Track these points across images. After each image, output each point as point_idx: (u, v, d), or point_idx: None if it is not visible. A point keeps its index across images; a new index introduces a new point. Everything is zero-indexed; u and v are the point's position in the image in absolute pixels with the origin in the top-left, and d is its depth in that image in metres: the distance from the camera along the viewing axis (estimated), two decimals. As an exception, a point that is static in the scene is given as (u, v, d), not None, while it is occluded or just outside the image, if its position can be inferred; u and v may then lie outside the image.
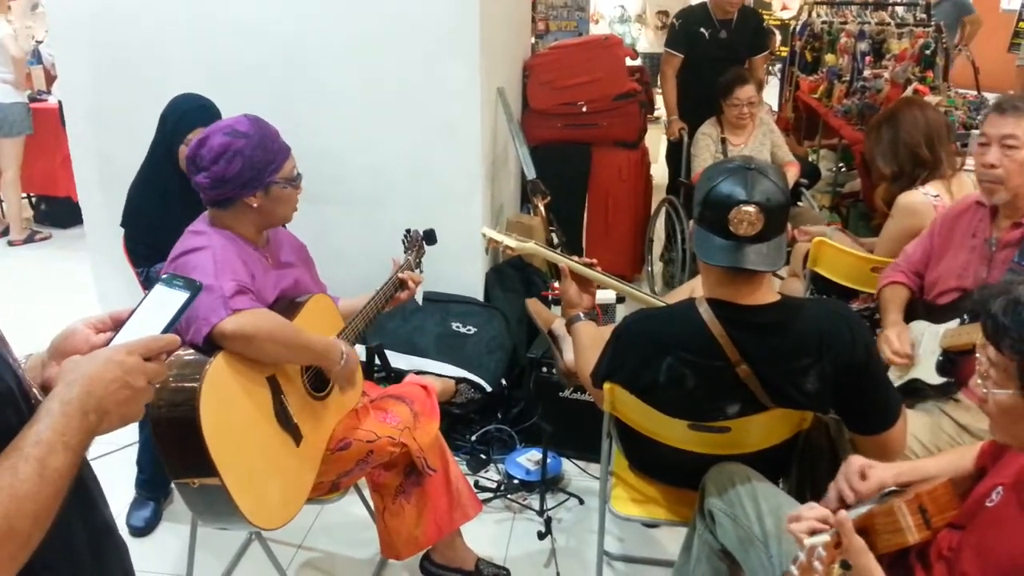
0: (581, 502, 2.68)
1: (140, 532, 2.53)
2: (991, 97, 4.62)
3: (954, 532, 1.28)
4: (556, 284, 2.14)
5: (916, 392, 2.09)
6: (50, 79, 5.85)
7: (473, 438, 2.91)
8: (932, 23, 5.13)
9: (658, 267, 4.52)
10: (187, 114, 2.38)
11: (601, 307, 2.20)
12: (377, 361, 2.69)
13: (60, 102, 4.91)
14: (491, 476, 2.82)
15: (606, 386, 1.76)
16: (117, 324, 1.02)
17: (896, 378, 2.11)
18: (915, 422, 1.97)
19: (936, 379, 2.02)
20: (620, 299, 2.95)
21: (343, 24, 3.04)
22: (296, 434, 1.84)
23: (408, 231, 2.37)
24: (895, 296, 2.24)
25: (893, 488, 1.41)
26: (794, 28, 6.51)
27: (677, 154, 4.22)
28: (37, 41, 6.32)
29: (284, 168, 1.87)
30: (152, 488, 2.61)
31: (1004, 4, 9.66)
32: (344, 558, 2.47)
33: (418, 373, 2.82)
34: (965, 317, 1.99)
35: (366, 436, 1.98)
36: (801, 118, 5.87)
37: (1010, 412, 1.16)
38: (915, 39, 4.85)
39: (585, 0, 6.37)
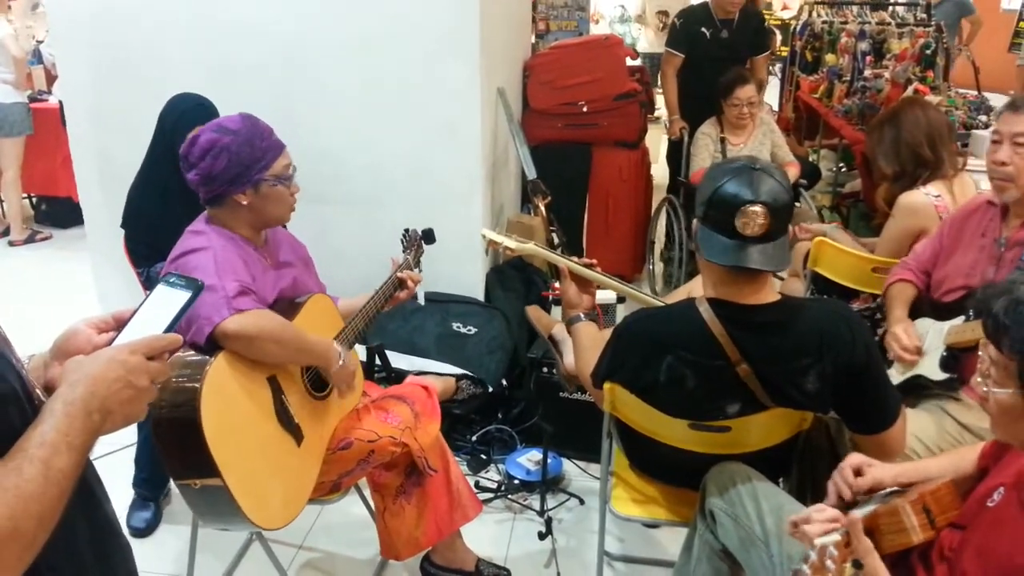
0: (582, 502, 2.68)
1: (141, 533, 2.53)
2: (991, 97, 4.62)
3: (955, 532, 1.28)
4: (556, 284, 2.14)
5: (918, 389, 2.09)
6: (50, 79, 5.85)
7: (474, 438, 2.91)
8: (932, 23, 5.13)
9: (659, 267, 4.52)
10: (185, 113, 2.38)
11: (601, 307, 2.20)
12: (378, 361, 2.69)
13: (60, 102, 4.92)
14: (491, 476, 2.82)
15: (606, 386, 1.76)
16: (120, 324, 1.02)
17: (898, 375, 2.11)
18: (918, 421, 1.97)
19: (939, 375, 2.02)
20: (620, 299, 2.95)
21: (343, 24, 3.04)
22: (297, 434, 1.84)
23: (406, 230, 2.37)
24: (901, 293, 2.24)
25: (895, 488, 1.42)
26: (794, 28, 6.51)
27: (678, 154, 4.22)
28: (38, 41, 6.32)
29: (275, 166, 1.86)
30: (151, 488, 2.61)
31: (1004, 4, 9.65)
32: (344, 558, 2.47)
33: (419, 374, 2.82)
34: (970, 314, 1.99)
35: (367, 436, 1.98)
36: (802, 118, 5.87)
37: (1010, 411, 1.16)
38: (915, 39, 4.85)
39: (585, 0, 6.38)
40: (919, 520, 1.26)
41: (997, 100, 4.52)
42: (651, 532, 2.53)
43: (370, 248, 2.77)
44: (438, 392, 2.25)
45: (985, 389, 1.19)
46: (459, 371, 2.94)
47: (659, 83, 4.82)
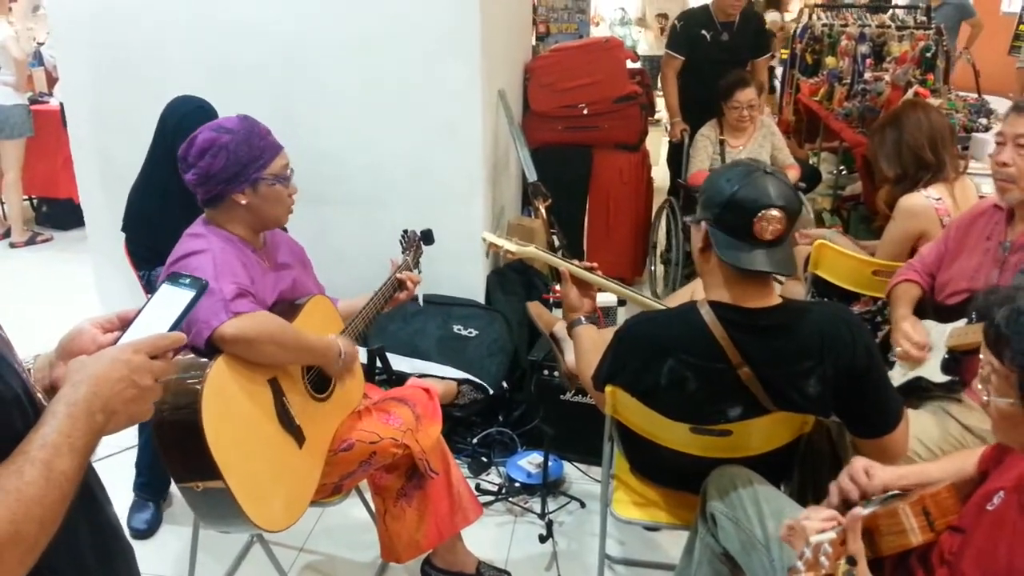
0: (582, 505, 2.68)
1: (142, 534, 2.52)
2: (992, 100, 4.62)
3: (955, 535, 1.28)
4: (557, 287, 2.14)
5: (919, 391, 2.09)
6: (51, 81, 5.86)
7: (474, 441, 2.91)
8: (932, 26, 5.13)
9: (660, 269, 4.52)
10: (186, 116, 2.39)
11: (602, 310, 2.20)
12: (379, 364, 2.69)
13: (61, 104, 4.92)
14: (492, 479, 2.82)
15: (608, 389, 1.76)
16: (124, 323, 1.02)
17: (900, 376, 2.10)
18: (920, 423, 1.97)
19: (940, 377, 2.02)
20: (621, 302, 2.95)
21: (343, 24, 3.05)
22: (299, 436, 1.84)
23: (405, 231, 2.37)
24: (906, 293, 2.24)
25: (896, 491, 1.42)
26: (795, 31, 6.51)
27: (678, 156, 4.22)
28: (39, 43, 6.32)
29: (273, 165, 1.87)
30: (152, 490, 2.61)
31: (1004, 7, 9.65)
32: (345, 561, 2.47)
33: (420, 376, 2.82)
34: (972, 316, 1.99)
35: (369, 437, 1.98)
36: (802, 121, 5.87)
37: (1010, 418, 1.16)
38: (916, 42, 4.85)
39: (586, 2, 6.38)
40: (918, 522, 1.26)
41: (997, 103, 4.53)
42: (652, 535, 2.53)
43: (370, 249, 2.77)
44: (439, 395, 2.25)
45: (986, 397, 1.19)
46: (460, 374, 2.94)
47: (659, 85, 4.82)
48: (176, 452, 1.60)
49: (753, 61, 4.26)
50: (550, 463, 2.64)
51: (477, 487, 2.70)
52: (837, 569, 1.20)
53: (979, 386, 1.21)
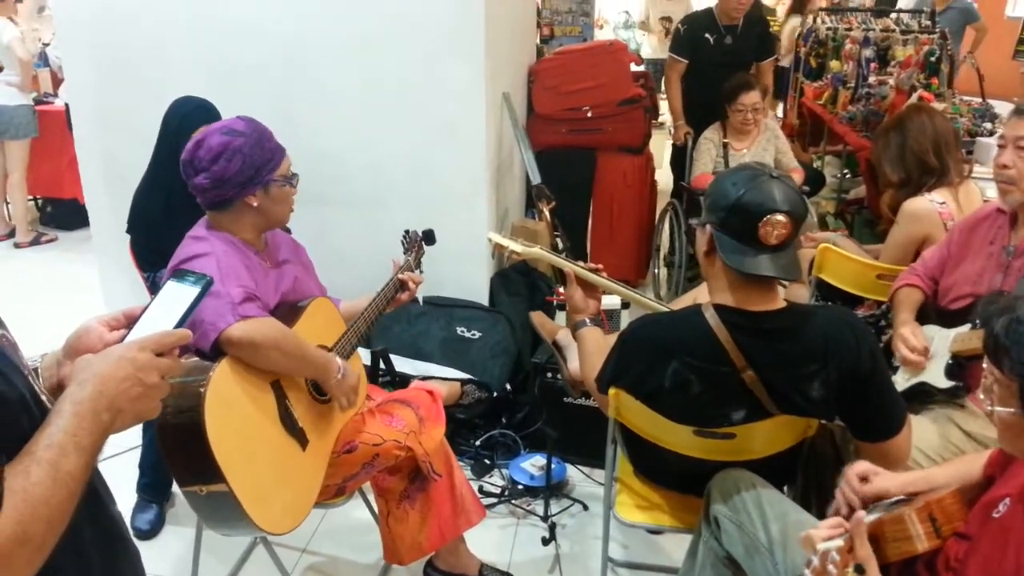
0: (585, 508, 2.68)
1: (145, 535, 2.53)
2: (996, 104, 4.62)
3: (961, 542, 1.27)
4: (561, 289, 2.13)
5: (923, 396, 2.08)
6: (56, 82, 5.87)
7: (477, 443, 2.91)
8: (937, 30, 5.12)
9: (663, 272, 4.52)
10: (187, 116, 2.40)
11: (606, 313, 2.20)
12: (382, 365, 2.69)
13: (67, 104, 4.94)
14: (495, 481, 2.82)
15: (611, 391, 1.76)
16: (131, 321, 1.02)
17: (903, 381, 2.10)
18: (921, 431, 1.97)
19: (944, 383, 2.02)
20: (625, 305, 2.95)
21: (345, 25, 3.05)
22: (302, 438, 1.84)
23: (407, 232, 2.37)
24: (908, 297, 2.23)
25: (901, 497, 1.41)
26: (799, 34, 6.50)
27: (682, 159, 4.22)
28: (44, 44, 6.34)
29: (282, 166, 1.89)
30: (155, 491, 2.61)
31: (1009, 11, 9.65)
32: (348, 562, 2.47)
33: (424, 378, 2.82)
34: (976, 322, 1.98)
35: (372, 439, 1.98)
36: (806, 124, 5.86)
37: (1013, 428, 1.16)
38: (920, 46, 4.84)
39: (590, 5, 6.38)
40: (924, 529, 1.26)
41: (1001, 107, 4.52)
42: (655, 538, 2.52)
43: (372, 250, 2.77)
44: (443, 397, 2.25)
45: (989, 406, 1.18)
46: (464, 376, 2.94)
47: (663, 88, 4.82)
48: (179, 455, 1.60)
49: (757, 64, 4.26)
50: (553, 465, 2.64)
51: (480, 489, 2.70)
52: None
53: (982, 395, 1.21)
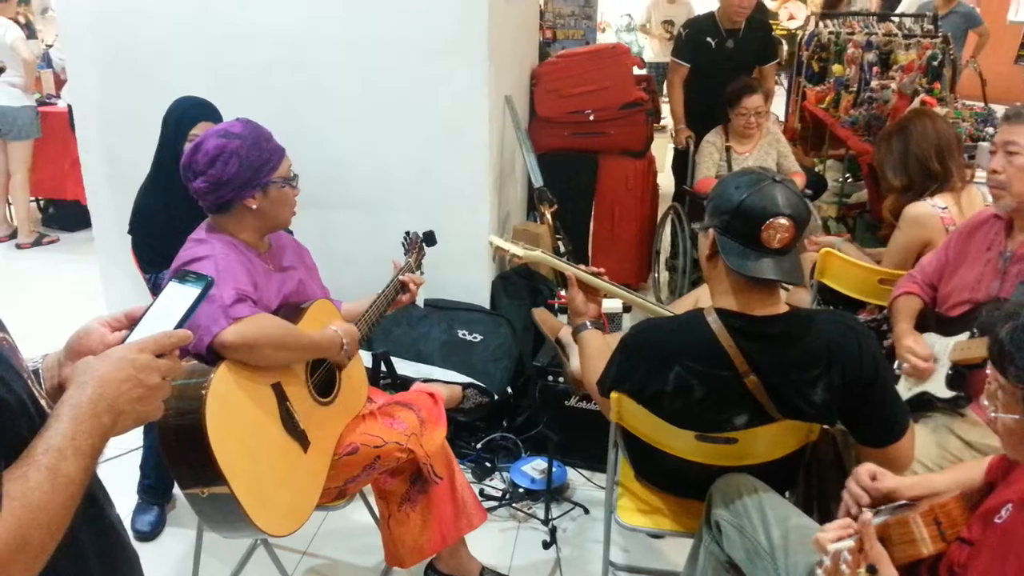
0: (586, 512, 2.67)
1: (146, 537, 2.53)
2: (998, 109, 4.61)
3: (964, 547, 1.27)
4: (562, 292, 2.13)
5: (923, 405, 2.08)
6: (59, 83, 5.89)
7: (478, 446, 2.91)
8: (939, 34, 5.12)
9: (664, 275, 4.52)
10: (187, 112, 2.41)
11: (607, 316, 2.20)
12: (383, 368, 2.69)
13: (69, 106, 4.95)
14: (496, 484, 2.82)
15: (613, 395, 1.76)
16: (132, 322, 1.02)
17: (906, 391, 2.10)
18: (919, 440, 1.96)
19: (945, 392, 2.01)
20: (627, 308, 2.94)
21: (349, 29, 3.06)
22: (303, 440, 1.84)
23: (407, 233, 2.37)
24: (907, 307, 2.23)
25: (904, 502, 1.41)
26: (801, 38, 6.51)
27: (683, 163, 4.22)
28: (47, 45, 6.36)
29: (280, 168, 1.88)
30: (156, 493, 2.61)
31: (1011, 15, 9.66)
32: (348, 565, 2.46)
33: (425, 381, 2.82)
34: (975, 331, 1.98)
35: (373, 441, 1.98)
36: (808, 128, 5.86)
37: (1017, 434, 1.16)
38: (922, 50, 4.84)
39: (592, 9, 6.39)
40: (929, 532, 1.26)
41: (1004, 112, 4.52)
42: (656, 543, 2.52)
43: (376, 253, 2.78)
44: (444, 399, 2.25)
45: (993, 412, 1.18)
46: (465, 379, 2.94)
47: (665, 92, 4.82)
48: (180, 458, 1.60)
49: (760, 67, 4.26)
50: (554, 469, 2.63)
51: (481, 492, 2.70)
52: None
53: (986, 402, 1.20)
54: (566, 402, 2.85)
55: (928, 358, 2.06)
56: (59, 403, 0.86)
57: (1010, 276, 2.01)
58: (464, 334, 3.10)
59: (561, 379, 2.82)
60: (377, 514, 2.23)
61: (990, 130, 4.10)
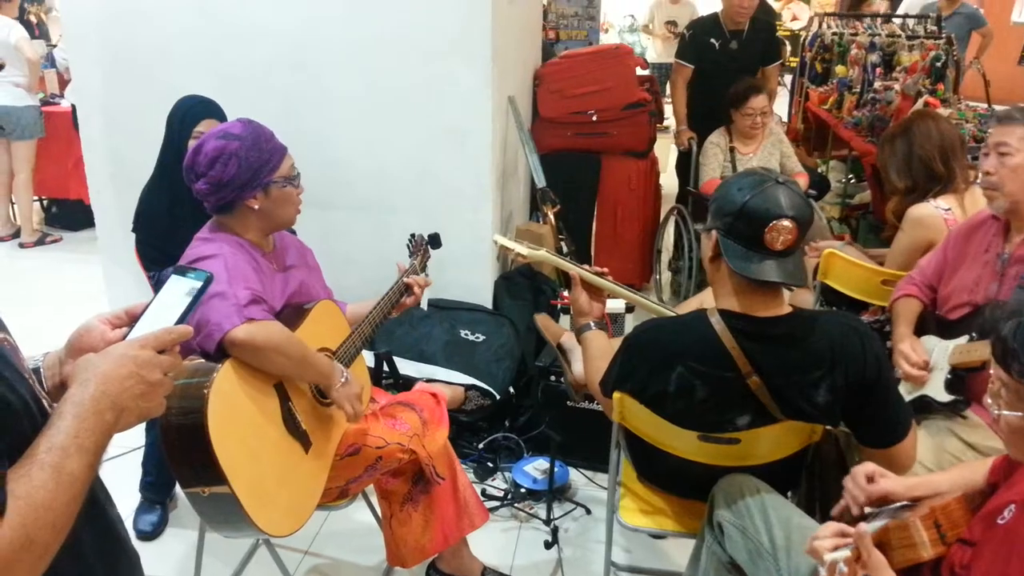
0: (588, 512, 2.67)
1: (148, 537, 2.53)
2: (1001, 110, 4.60)
3: (966, 549, 1.27)
4: (565, 293, 2.13)
5: (924, 407, 2.08)
6: (63, 83, 5.90)
7: (480, 446, 2.91)
8: (943, 35, 5.12)
9: (666, 276, 4.52)
10: (191, 110, 2.41)
11: (610, 316, 2.19)
12: (386, 368, 2.69)
13: (73, 106, 4.95)
14: (498, 484, 2.82)
15: (616, 396, 1.75)
16: (133, 318, 1.02)
17: (905, 394, 2.09)
18: (919, 443, 1.96)
19: (944, 396, 2.01)
20: (630, 309, 2.95)
21: (352, 29, 3.06)
22: (305, 441, 1.84)
23: (412, 235, 2.37)
24: (906, 310, 2.23)
25: (905, 503, 1.41)
26: (804, 39, 6.50)
27: (687, 164, 4.22)
28: (50, 45, 6.37)
29: (282, 167, 1.88)
30: (158, 492, 2.61)
31: (1015, 16, 9.65)
32: (350, 565, 2.47)
33: (427, 381, 2.82)
34: (974, 335, 1.98)
35: (375, 442, 1.98)
36: (811, 129, 5.86)
37: (1020, 432, 1.15)
38: (926, 51, 4.84)
39: (595, 9, 6.39)
40: (929, 535, 1.25)
41: (1007, 113, 4.51)
42: (658, 543, 2.52)
43: (379, 253, 2.78)
44: (447, 400, 2.24)
45: (996, 410, 1.18)
46: (467, 379, 2.94)
47: (668, 92, 4.82)
48: (182, 456, 1.60)
49: (763, 68, 4.26)
50: (556, 469, 2.63)
51: (483, 492, 2.70)
52: None
53: (989, 400, 1.20)
54: (568, 402, 2.85)
55: (921, 366, 2.06)
56: (61, 401, 0.86)
57: (1008, 278, 2.01)
58: (466, 334, 3.10)
59: (563, 380, 2.81)
60: (379, 514, 2.23)
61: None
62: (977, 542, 1.25)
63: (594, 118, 3.95)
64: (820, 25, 6.21)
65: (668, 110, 4.77)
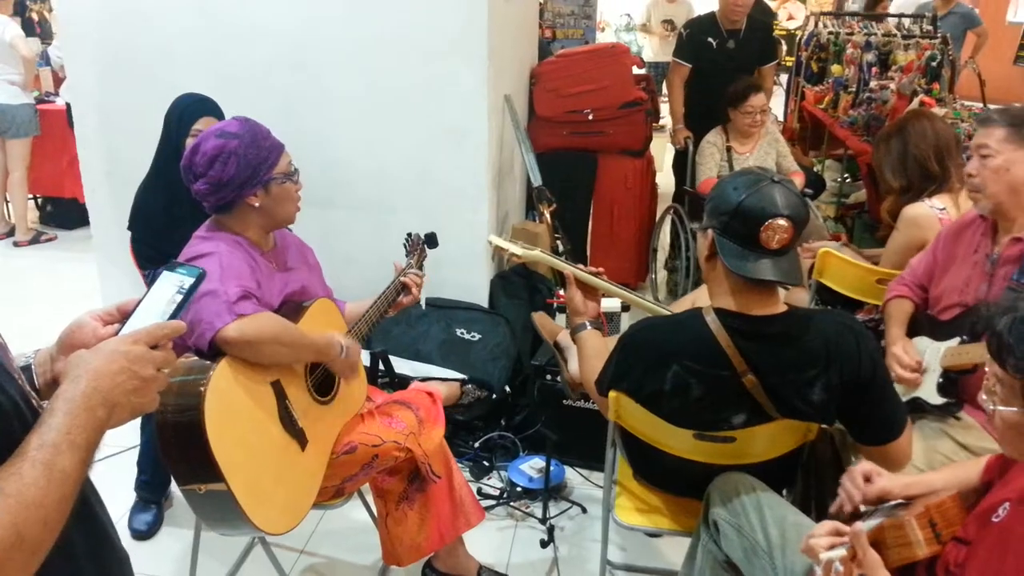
0: (584, 511, 2.67)
1: (143, 536, 2.52)
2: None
3: (961, 547, 1.27)
4: (561, 292, 2.13)
5: (917, 409, 2.08)
6: (58, 81, 5.88)
7: (476, 445, 2.91)
8: (938, 35, 5.13)
9: (662, 275, 4.52)
10: (188, 107, 2.41)
11: (606, 316, 2.19)
12: (381, 367, 2.69)
13: (68, 104, 4.94)
14: (494, 483, 2.82)
15: (611, 395, 1.76)
16: (124, 315, 1.01)
17: (900, 395, 2.10)
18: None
19: (937, 399, 2.01)
20: (625, 308, 2.95)
21: (353, 30, 3.05)
22: (301, 439, 1.84)
23: (409, 235, 2.37)
24: (898, 311, 2.24)
25: (900, 501, 1.41)
26: (800, 38, 6.51)
27: (684, 163, 4.23)
28: (45, 43, 6.35)
29: (280, 164, 1.88)
30: (153, 491, 2.60)
31: (1010, 16, 9.67)
32: (346, 564, 2.46)
33: (424, 380, 2.82)
34: (965, 337, 1.99)
35: (371, 440, 1.98)
36: (807, 128, 5.87)
37: (1016, 428, 1.16)
38: (921, 51, 4.85)
39: (592, 8, 6.39)
40: (924, 534, 1.26)
41: (1003, 113, 4.52)
42: (653, 541, 2.52)
43: (377, 252, 2.78)
44: (443, 398, 2.24)
45: (991, 406, 1.18)
46: (463, 375, 2.94)
47: (664, 91, 4.82)
48: (178, 454, 1.60)
49: (759, 68, 4.26)
50: (552, 468, 2.63)
51: (479, 491, 2.70)
52: None
53: (984, 397, 1.21)
54: (564, 401, 2.85)
55: (914, 368, 2.07)
56: (53, 398, 0.85)
57: (998, 279, 2.01)
58: (462, 333, 3.10)
59: (559, 379, 2.82)
60: (375, 513, 2.23)
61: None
62: (972, 540, 1.25)
63: (590, 117, 3.95)
64: (816, 24, 6.22)
65: (664, 109, 4.77)
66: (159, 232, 2.42)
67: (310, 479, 1.86)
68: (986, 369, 1.20)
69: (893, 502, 1.43)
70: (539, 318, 2.46)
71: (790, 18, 10.85)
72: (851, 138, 4.49)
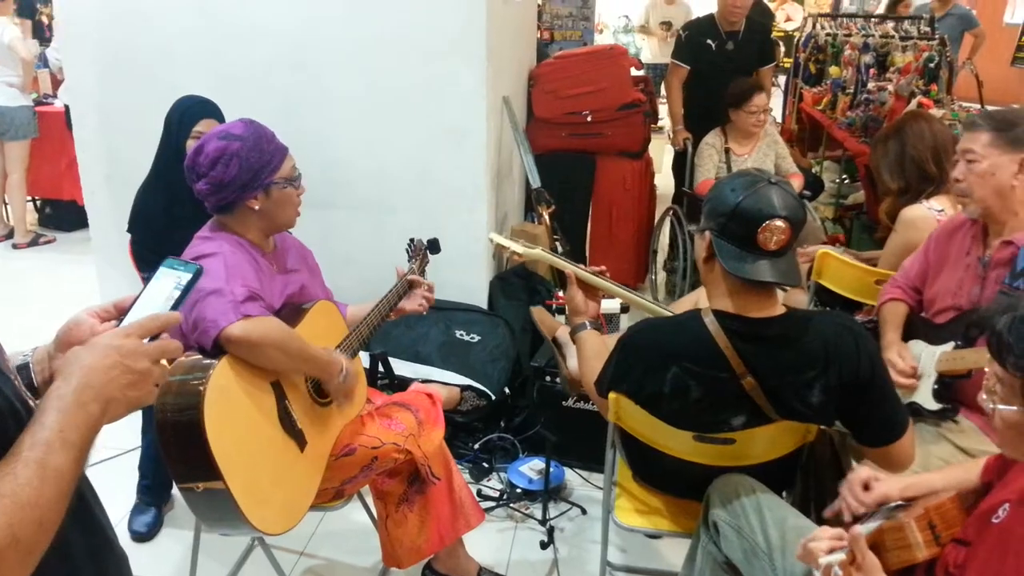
0: (584, 512, 2.67)
1: (143, 538, 2.51)
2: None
3: (960, 548, 1.27)
4: (560, 293, 2.13)
5: (913, 414, 2.08)
6: (56, 83, 5.88)
7: (476, 446, 2.91)
8: (936, 36, 5.14)
9: (661, 277, 4.52)
10: (189, 109, 2.41)
11: (605, 317, 2.20)
12: (381, 368, 2.69)
13: (66, 106, 4.94)
14: (493, 485, 2.82)
15: (611, 396, 1.76)
16: (121, 312, 1.00)
17: None
18: None
19: (933, 404, 2.01)
20: (624, 309, 2.95)
21: (353, 30, 3.06)
22: (301, 440, 1.84)
23: (412, 240, 2.37)
24: (893, 314, 2.24)
25: (900, 503, 1.41)
26: (798, 40, 6.52)
27: (683, 164, 4.23)
28: (44, 44, 6.34)
29: (282, 168, 1.88)
30: (153, 494, 2.60)
31: (1007, 18, 9.69)
32: (346, 566, 2.46)
33: (423, 381, 2.82)
34: (959, 342, 1.99)
35: (371, 442, 1.98)
36: (805, 130, 5.88)
37: (1016, 427, 1.16)
38: (919, 52, 4.86)
39: (590, 10, 6.39)
40: (924, 536, 1.26)
41: (1000, 114, 4.52)
42: (653, 543, 2.52)
43: (377, 253, 2.78)
44: (442, 401, 2.24)
45: (991, 406, 1.19)
46: (463, 380, 2.94)
47: (662, 93, 4.82)
48: (177, 452, 1.60)
49: (758, 70, 4.27)
50: (551, 469, 2.64)
51: (478, 493, 2.70)
52: None
53: (983, 396, 1.21)
54: (564, 402, 2.85)
55: (910, 373, 2.07)
56: (45, 396, 0.84)
57: (990, 281, 2.02)
58: (462, 334, 3.10)
59: (558, 380, 2.82)
60: (375, 515, 2.23)
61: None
62: (971, 542, 1.25)
63: (588, 119, 3.95)
64: (814, 26, 6.23)
65: (663, 110, 4.78)
66: (159, 234, 2.42)
67: (308, 480, 1.86)
68: (986, 369, 1.20)
69: (892, 504, 1.43)
70: (538, 313, 2.46)
71: (788, 19, 10.86)
72: (849, 139, 4.49)
